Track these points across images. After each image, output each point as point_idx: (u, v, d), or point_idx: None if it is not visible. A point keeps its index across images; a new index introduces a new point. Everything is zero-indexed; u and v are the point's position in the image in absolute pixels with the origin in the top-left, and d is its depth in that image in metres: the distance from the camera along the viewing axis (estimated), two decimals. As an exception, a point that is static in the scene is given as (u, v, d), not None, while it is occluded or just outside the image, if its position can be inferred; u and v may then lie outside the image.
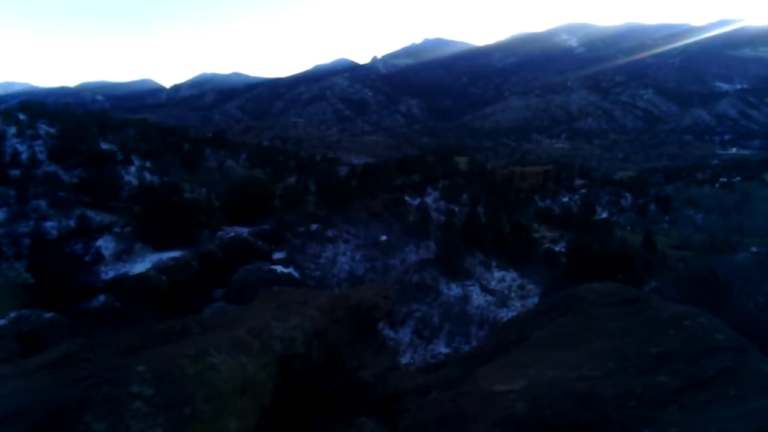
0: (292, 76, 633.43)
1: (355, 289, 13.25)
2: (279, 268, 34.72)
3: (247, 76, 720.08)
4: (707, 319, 6.91)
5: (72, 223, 39.89)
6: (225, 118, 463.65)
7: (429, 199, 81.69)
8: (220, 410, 6.59)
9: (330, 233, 44.31)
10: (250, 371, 6.84)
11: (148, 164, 77.88)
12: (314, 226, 44.26)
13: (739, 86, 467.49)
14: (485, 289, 44.28)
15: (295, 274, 35.39)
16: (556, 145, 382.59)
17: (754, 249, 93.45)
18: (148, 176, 70.53)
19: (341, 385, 7.50)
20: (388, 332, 31.83)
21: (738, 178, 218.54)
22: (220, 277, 32.76)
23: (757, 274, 45.49)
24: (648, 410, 4.96)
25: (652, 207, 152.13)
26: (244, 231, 39.88)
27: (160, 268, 30.66)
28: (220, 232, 38.76)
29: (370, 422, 6.32)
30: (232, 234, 38.63)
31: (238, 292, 29.77)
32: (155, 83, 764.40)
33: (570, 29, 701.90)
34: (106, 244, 35.40)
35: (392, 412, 6.35)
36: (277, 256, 37.68)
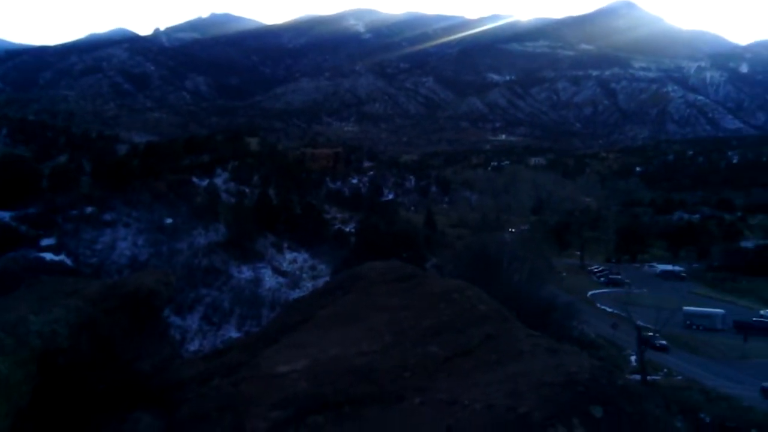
0: (62, 44, 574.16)
1: (132, 275, 12.42)
2: (48, 256, 31.86)
3: (8, 42, 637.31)
4: (474, 291, 7.56)
5: None
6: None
7: (219, 181, 79.63)
8: (-38, 419, 5.81)
9: (108, 217, 41.27)
10: (2, 372, 6.13)
11: None
12: (89, 209, 40.92)
13: (507, 78, 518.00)
14: (277, 271, 44.42)
15: (68, 261, 32.66)
16: (345, 128, 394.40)
17: (519, 228, 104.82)
18: None
19: (115, 379, 6.97)
20: (175, 319, 30.60)
21: (507, 162, 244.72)
22: (-26, 269, 28.98)
23: (522, 251, 51.33)
24: (420, 380, 5.31)
25: (433, 188, 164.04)
26: (5, 215, 35.81)
27: None
28: (-25, 218, 34.28)
29: (146, 416, 5.96)
30: (-10, 219, 34.39)
31: (-3, 284, 26.61)
32: None
33: (357, 14, 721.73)
34: None
35: (171, 403, 6.07)
36: (46, 242, 34.45)
